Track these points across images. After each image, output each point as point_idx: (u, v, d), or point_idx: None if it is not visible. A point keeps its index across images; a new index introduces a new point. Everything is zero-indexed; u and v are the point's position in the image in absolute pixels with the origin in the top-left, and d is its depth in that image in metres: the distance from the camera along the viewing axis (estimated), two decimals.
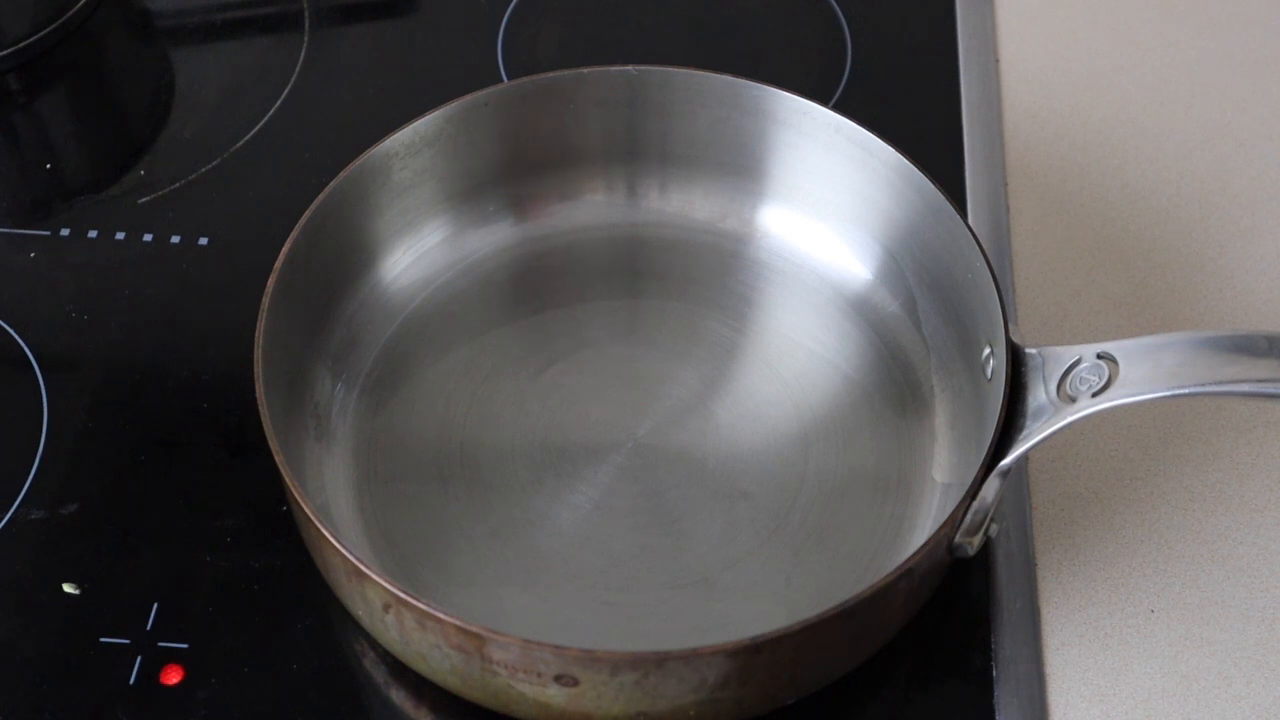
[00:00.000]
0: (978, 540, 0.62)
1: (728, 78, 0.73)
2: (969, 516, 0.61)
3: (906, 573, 0.59)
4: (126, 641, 0.65)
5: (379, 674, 0.65)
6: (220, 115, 0.85)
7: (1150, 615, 0.66)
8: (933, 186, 0.68)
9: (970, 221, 0.71)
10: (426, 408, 0.71)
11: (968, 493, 0.60)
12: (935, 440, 0.69)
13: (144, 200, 0.81)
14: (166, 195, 0.81)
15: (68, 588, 0.67)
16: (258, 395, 0.62)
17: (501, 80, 0.85)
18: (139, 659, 0.65)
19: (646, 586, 0.66)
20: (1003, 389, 0.61)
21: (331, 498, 0.67)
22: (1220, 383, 0.57)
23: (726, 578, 0.66)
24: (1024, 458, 0.61)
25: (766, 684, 0.59)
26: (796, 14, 0.89)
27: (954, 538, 0.62)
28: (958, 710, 0.64)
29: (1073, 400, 0.60)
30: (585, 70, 0.74)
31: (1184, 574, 0.68)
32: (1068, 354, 0.61)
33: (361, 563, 0.58)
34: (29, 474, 0.70)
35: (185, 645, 0.65)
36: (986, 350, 0.65)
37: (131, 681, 0.64)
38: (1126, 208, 0.80)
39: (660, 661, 0.56)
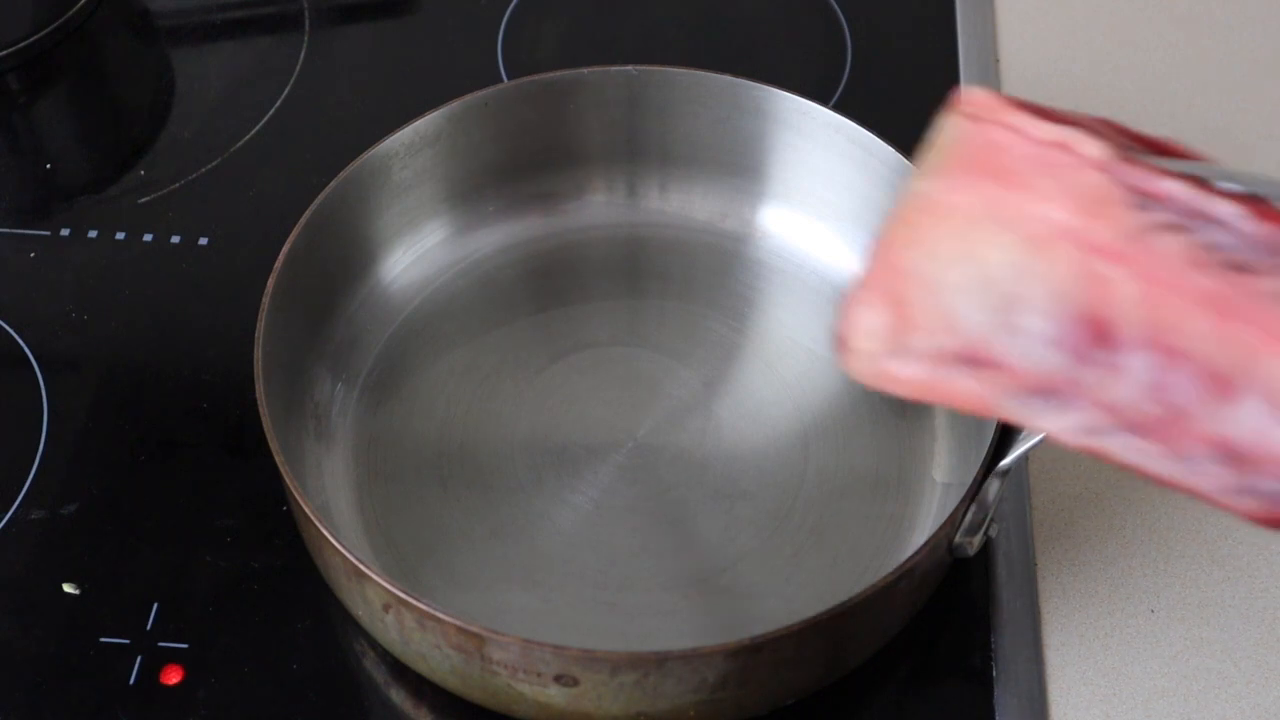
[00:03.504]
0: (978, 540, 0.62)
1: (728, 78, 0.73)
2: (969, 516, 0.61)
3: (906, 573, 0.59)
4: (126, 641, 0.65)
5: (379, 674, 0.65)
6: (220, 115, 0.85)
7: (1150, 615, 0.66)
8: None
9: None
10: (426, 408, 0.71)
11: (968, 493, 0.60)
12: (935, 440, 0.69)
13: (144, 200, 0.81)
14: (166, 195, 0.81)
15: (68, 588, 0.67)
16: (258, 395, 0.62)
17: (501, 80, 0.85)
18: (139, 659, 0.65)
19: (646, 586, 0.66)
20: None
21: (331, 498, 0.67)
22: None
23: (726, 578, 0.66)
24: (1024, 458, 0.61)
25: (766, 684, 0.59)
26: (796, 14, 0.89)
27: (954, 538, 0.62)
28: (958, 710, 0.64)
29: None
30: (585, 70, 0.74)
31: (1184, 574, 0.68)
32: None
33: (361, 563, 0.58)
34: (29, 474, 0.70)
35: (185, 645, 0.65)
36: None
37: (131, 681, 0.64)
38: None
39: (660, 661, 0.56)
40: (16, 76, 0.87)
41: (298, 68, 0.87)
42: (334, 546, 0.58)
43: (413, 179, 0.73)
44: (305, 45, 0.88)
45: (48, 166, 0.84)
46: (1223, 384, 0.44)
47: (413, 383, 0.72)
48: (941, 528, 0.60)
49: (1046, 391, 0.47)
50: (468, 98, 0.73)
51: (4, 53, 0.85)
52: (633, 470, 0.69)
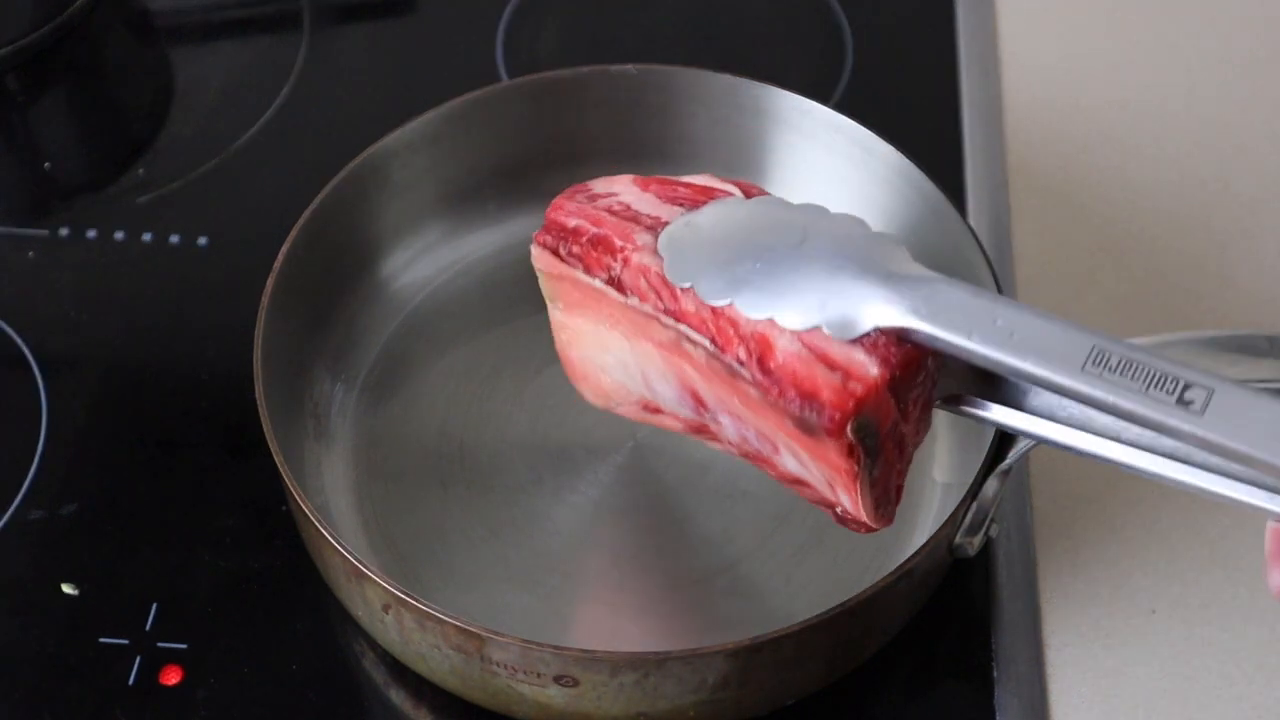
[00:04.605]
0: (978, 540, 0.62)
1: (728, 77, 0.73)
2: (969, 516, 0.61)
3: (906, 573, 0.59)
4: (126, 641, 0.65)
5: (379, 674, 0.65)
6: (220, 115, 0.85)
7: (1151, 615, 0.66)
8: (933, 186, 0.68)
9: (970, 221, 0.71)
10: (426, 407, 0.71)
11: (968, 493, 0.60)
12: (935, 440, 0.69)
13: (144, 200, 0.81)
14: (166, 195, 0.81)
15: (67, 588, 0.67)
16: (258, 395, 0.62)
17: (501, 80, 0.85)
18: (139, 659, 0.65)
19: (646, 586, 0.66)
20: None
21: (331, 498, 0.67)
22: None
23: (726, 578, 0.66)
24: (1024, 457, 0.61)
25: (766, 684, 0.59)
26: (796, 14, 0.89)
27: (954, 538, 0.62)
28: (958, 710, 0.64)
29: None
30: (585, 70, 0.74)
31: (1185, 574, 0.67)
32: None
33: (361, 563, 0.58)
34: (29, 474, 0.70)
35: (185, 645, 0.65)
36: None
37: (131, 681, 0.64)
38: (1126, 207, 0.80)
39: (660, 661, 0.56)
40: (15, 76, 0.86)
41: (298, 68, 0.87)
42: (334, 546, 0.58)
43: (412, 179, 0.73)
44: (305, 45, 0.88)
45: (47, 166, 0.83)
46: (769, 440, 0.56)
47: (413, 383, 0.72)
48: (941, 528, 0.60)
49: (700, 429, 0.60)
50: (468, 97, 0.73)
51: (3, 52, 0.85)
52: (633, 470, 0.69)
